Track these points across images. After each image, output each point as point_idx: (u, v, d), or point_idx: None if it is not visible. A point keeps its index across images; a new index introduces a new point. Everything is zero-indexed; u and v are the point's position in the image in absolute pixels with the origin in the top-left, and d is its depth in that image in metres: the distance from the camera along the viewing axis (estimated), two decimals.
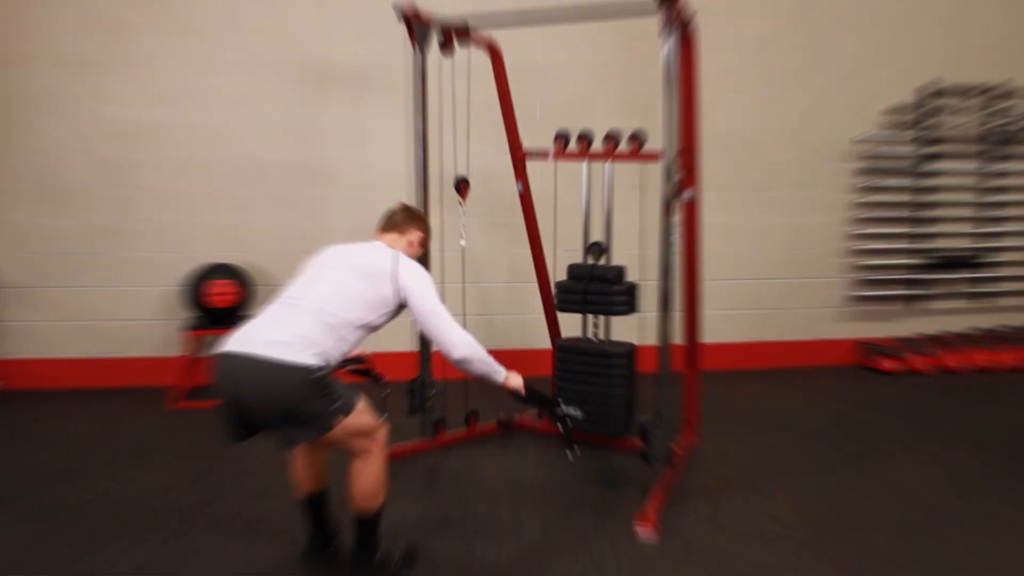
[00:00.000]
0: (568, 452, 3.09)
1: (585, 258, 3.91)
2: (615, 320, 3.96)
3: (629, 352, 3.84)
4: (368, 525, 2.56)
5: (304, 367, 2.33)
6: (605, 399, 3.79)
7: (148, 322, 4.92)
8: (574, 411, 2.97)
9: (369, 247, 2.71)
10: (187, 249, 4.85)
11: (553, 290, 4.07)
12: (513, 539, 2.94)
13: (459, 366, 2.63)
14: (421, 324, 2.63)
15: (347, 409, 2.41)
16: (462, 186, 3.89)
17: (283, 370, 2.31)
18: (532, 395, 2.83)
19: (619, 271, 3.82)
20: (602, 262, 3.87)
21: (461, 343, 2.59)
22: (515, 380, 2.77)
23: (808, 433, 4.21)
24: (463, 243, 3.99)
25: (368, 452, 2.50)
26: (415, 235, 2.87)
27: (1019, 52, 5.55)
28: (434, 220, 3.88)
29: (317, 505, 2.70)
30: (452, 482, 3.51)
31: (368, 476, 2.50)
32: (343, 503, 2.61)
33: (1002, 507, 3.25)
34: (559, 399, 3.06)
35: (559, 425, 2.92)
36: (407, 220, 2.87)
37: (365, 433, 2.48)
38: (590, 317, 3.96)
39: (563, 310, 3.97)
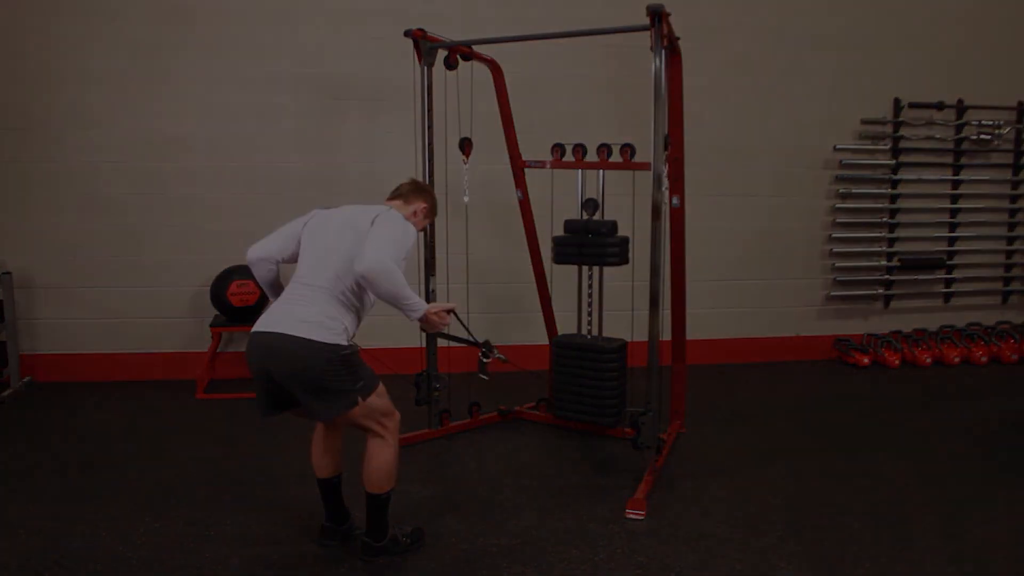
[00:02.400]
0: (481, 375, 3.01)
1: (581, 213, 3.87)
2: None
3: (621, 347, 3.85)
4: (379, 507, 2.56)
5: (334, 345, 2.36)
6: (598, 391, 3.80)
7: (175, 319, 4.92)
8: (500, 355, 2.97)
9: (363, 207, 2.61)
10: (211, 252, 4.85)
11: (550, 244, 3.96)
12: (513, 520, 2.95)
13: (363, 281, 2.35)
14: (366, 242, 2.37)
15: (369, 390, 2.43)
16: (465, 145, 3.91)
17: (314, 348, 2.33)
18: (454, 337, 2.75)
19: (612, 224, 3.76)
20: (596, 217, 3.81)
21: (374, 261, 2.29)
22: (434, 316, 2.52)
23: (787, 422, 4.21)
24: (466, 199, 3.97)
25: (383, 436, 2.50)
26: (419, 205, 2.80)
27: (983, 69, 5.56)
28: (440, 224, 3.90)
29: (331, 489, 2.70)
30: (456, 468, 3.52)
31: (381, 460, 2.50)
32: (357, 486, 2.61)
33: (968, 492, 3.25)
34: (486, 341, 2.98)
35: (480, 355, 2.89)
36: (412, 191, 2.82)
37: (382, 415, 2.49)
38: (584, 272, 3.88)
39: (560, 262, 3.89)
